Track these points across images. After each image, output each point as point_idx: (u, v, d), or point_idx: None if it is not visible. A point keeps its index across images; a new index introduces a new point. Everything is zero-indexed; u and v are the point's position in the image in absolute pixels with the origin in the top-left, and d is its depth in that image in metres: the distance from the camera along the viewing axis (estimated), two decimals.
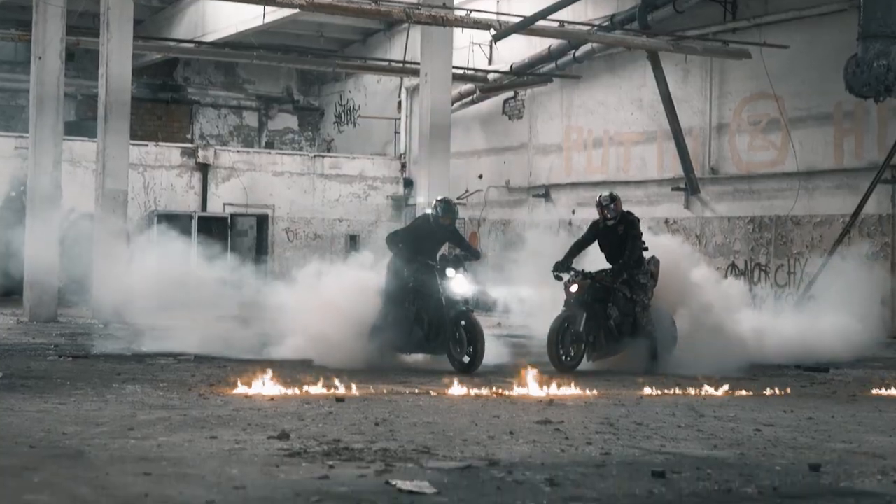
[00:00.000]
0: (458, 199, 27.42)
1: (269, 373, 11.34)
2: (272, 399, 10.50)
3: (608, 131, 26.31)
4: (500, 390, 11.65)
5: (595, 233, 14.90)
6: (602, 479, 6.94)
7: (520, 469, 7.17)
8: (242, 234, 29.97)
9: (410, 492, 6.36)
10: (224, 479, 6.64)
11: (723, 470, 7.33)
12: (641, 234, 14.87)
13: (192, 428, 8.58)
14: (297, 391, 11.04)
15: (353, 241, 30.04)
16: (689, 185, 23.84)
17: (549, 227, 26.09)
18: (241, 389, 11.02)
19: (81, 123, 30.80)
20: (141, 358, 14.32)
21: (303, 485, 6.50)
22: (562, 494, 6.43)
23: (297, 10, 23.36)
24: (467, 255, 14.15)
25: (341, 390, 11.18)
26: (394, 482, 6.58)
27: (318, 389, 11.19)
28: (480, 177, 29.47)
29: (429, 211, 14.52)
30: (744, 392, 12.08)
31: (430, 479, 6.73)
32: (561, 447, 8.12)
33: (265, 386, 11.03)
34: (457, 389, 11.53)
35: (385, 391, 11.44)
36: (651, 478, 6.99)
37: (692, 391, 12.00)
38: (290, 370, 13.03)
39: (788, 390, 12.34)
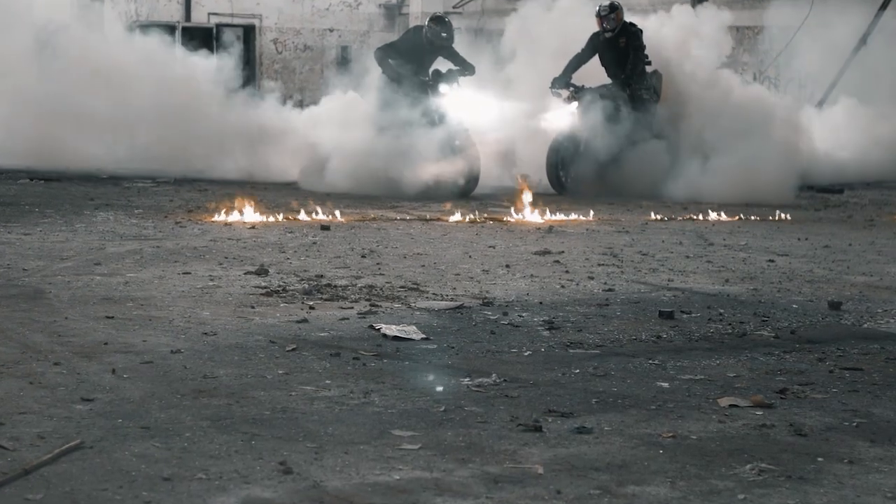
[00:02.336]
0: (454, 7, 26.50)
1: (252, 198, 10.84)
2: (253, 227, 10.02)
3: None
4: (496, 216, 11.17)
5: (595, 46, 14.20)
6: (605, 321, 6.49)
7: (516, 309, 6.72)
8: (228, 46, 29.04)
9: (396, 337, 5.92)
10: (194, 322, 6.19)
11: (735, 309, 6.88)
12: (644, 46, 14.19)
13: (163, 262, 8.11)
14: (280, 218, 10.55)
15: (344, 53, 29.18)
16: None
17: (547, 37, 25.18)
18: (220, 217, 10.53)
19: None
20: (117, 181, 13.80)
21: (279, 330, 6.04)
22: (561, 339, 5.98)
23: None
24: (462, 69, 13.47)
25: (327, 217, 10.70)
26: (378, 326, 6.13)
27: (302, 216, 10.70)
28: None
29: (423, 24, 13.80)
30: (754, 217, 11.61)
31: (418, 322, 6.29)
32: (561, 282, 7.66)
33: (246, 213, 10.52)
34: (450, 215, 11.03)
35: (374, 217, 10.95)
36: (658, 319, 6.54)
37: (699, 216, 11.52)
38: (275, 194, 12.57)
39: (788, 216, 11.88)
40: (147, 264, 8.01)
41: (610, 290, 7.42)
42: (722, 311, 6.81)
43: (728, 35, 15.89)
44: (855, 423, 4.59)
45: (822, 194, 13.96)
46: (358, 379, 5.12)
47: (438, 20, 13.58)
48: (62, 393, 4.79)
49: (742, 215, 11.62)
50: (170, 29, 27.16)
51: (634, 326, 6.35)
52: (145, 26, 26.84)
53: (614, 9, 14.16)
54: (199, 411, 4.57)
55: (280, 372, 5.20)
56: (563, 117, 13.58)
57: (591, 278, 7.84)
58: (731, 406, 4.79)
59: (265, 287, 7.21)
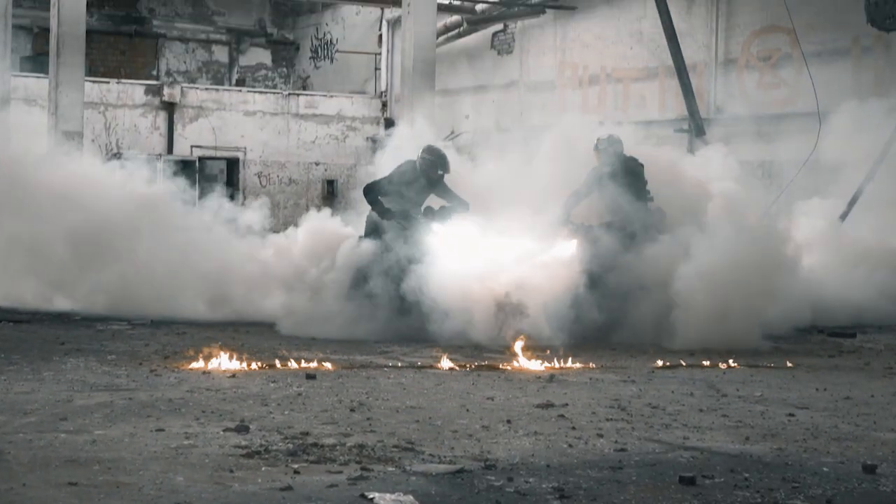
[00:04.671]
0: (444, 140, 26.41)
1: (233, 344, 10.39)
2: (234, 376, 9.54)
3: (605, 67, 25.24)
4: (493, 363, 10.72)
5: (594, 181, 13.90)
6: (620, 487, 6.01)
7: (521, 473, 6.23)
8: (212, 179, 28.88)
9: None
10: (166, 490, 5.69)
11: (761, 473, 6.40)
12: (646, 181, 13.92)
13: (136, 416, 7.62)
14: (262, 366, 10.08)
15: (331, 187, 29.01)
16: (693, 127, 22.80)
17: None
18: (198, 363, 10.06)
19: (38, 58, 29.66)
20: (91, 323, 13.33)
21: (260, 500, 5.55)
22: None
23: None
24: (456, 207, 13.14)
25: (313, 363, 10.24)
26: (370, 495, 5.64)
27: (287, 363, 10.24)
28: (467, 117, 28.41)
29: (413, 157, 13.48)
30: (767, 364, 11.16)
31: (415, 490, 5.80)
32: (568, 441, 7.18)
33: (226, 360, 10.05)
34: (444, 362, 10.58)
35: (363, 365, 10.48)
36: (679, 485, 6.06)
37: (708, 363, 11.06)
38: (258, 338, 12.13)
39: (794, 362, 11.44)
40: (117, 419, 7.52)
41: (622, 449, 6.95)
42: (747, 475, 6.33)
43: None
44: None
45: (835, 339, 13.54)
46: None
47: (432, 152, 13.28)
48: None
49: (755, 364, 11.18)
50: (152, 162, 27.01)
51: (654, 494, 5.87)
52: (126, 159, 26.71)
53: (613, 142, 13.91)
54: None
55: None
56: (561, 257, 13.17)
57: (601, 435, 7.37)
58: None
59: (246, 447, 6.72)
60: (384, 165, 14.13)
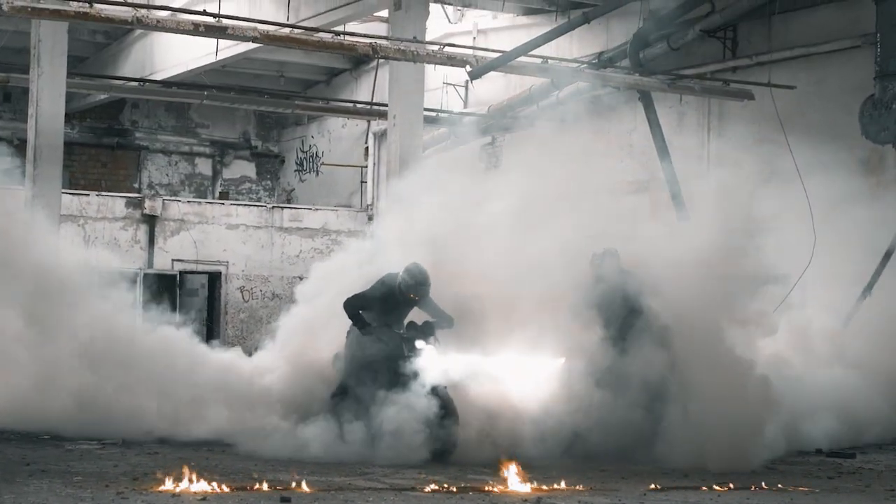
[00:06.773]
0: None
1: (206, 465, 10.13)
2: (204, 499, 9.27)
3: (595, 180, 25.24)
4: (477, 485, 10.47)
5: (590, 296, 13.70)
6: None
7: None
8: (192, 294, 28.72)
9: None
10: None
11: None
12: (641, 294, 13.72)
13: None
14: (234, 488, 9.81)
15: None
16: None
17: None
18: (168, 485, 9.79)
19: (18, 171, 29.66)
20: (59, 443, 13.05)
21: None
22: None
23: (252, 46, 22.31)
24: (439, 322, 12.96)
25: (289, 485, 9.98)
26: None
27: (260, 484, 9.98)
28: (454, 231, 28.35)
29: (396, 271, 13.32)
30: (763, 486, 10.92)
31: None
32: None
33: (197, 482, 9.79)
34: (426, 484, 10.32)
35: (341, 487, 10.20)
36: None
37: (704, 487, 10.80)
38: (232, 458, 11.87)
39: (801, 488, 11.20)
40: None
41: None
42: None
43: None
44: None
45: (833, 459, 13.32)
46: None
47: (412, 270, 13.09)
48: None
49: (751, 486, 10.94)
50: (131, 276, 26.88)
51: None
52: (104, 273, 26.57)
53: (609, 256, 13.79)
54: None
55: None
56: (549, 374, 12.97)
57: None
58: None
59: None
60: (368, 279, 13.96)
